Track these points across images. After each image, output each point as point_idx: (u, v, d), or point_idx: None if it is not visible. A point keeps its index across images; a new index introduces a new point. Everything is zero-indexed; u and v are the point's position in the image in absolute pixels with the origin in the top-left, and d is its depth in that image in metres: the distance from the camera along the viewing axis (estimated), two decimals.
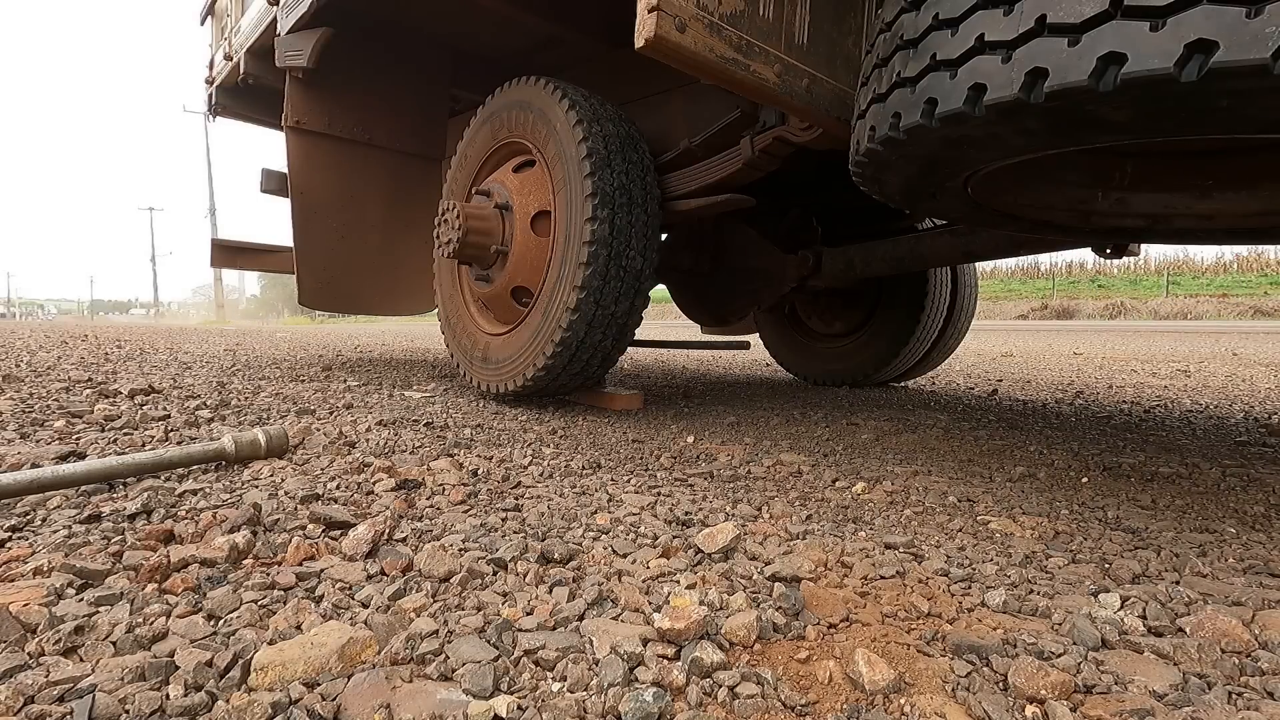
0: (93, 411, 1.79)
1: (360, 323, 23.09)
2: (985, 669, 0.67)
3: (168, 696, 0.57)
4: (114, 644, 0.65)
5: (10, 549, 0.87)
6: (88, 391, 2.18)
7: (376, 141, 2.99)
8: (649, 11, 1.18)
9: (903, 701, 0.61)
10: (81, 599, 0.73)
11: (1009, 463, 1.66)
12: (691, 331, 5.61)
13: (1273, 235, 1.49)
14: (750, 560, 0.92)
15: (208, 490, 1.14)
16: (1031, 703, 0.61)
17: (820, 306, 3.41)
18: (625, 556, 0.93)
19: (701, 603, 0.77)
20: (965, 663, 0.67)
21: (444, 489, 1.21)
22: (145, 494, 1.05)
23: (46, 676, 0.59)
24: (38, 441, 1.47)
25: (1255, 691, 0.63)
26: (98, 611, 0.71)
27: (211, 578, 0.80)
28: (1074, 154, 1.40)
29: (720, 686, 0.62)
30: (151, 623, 0.69)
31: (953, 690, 0.63)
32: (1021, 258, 12.42)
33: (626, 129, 2.08)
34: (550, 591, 0.80)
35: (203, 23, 3.93)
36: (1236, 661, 0.69)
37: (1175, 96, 0.78)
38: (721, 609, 0.76)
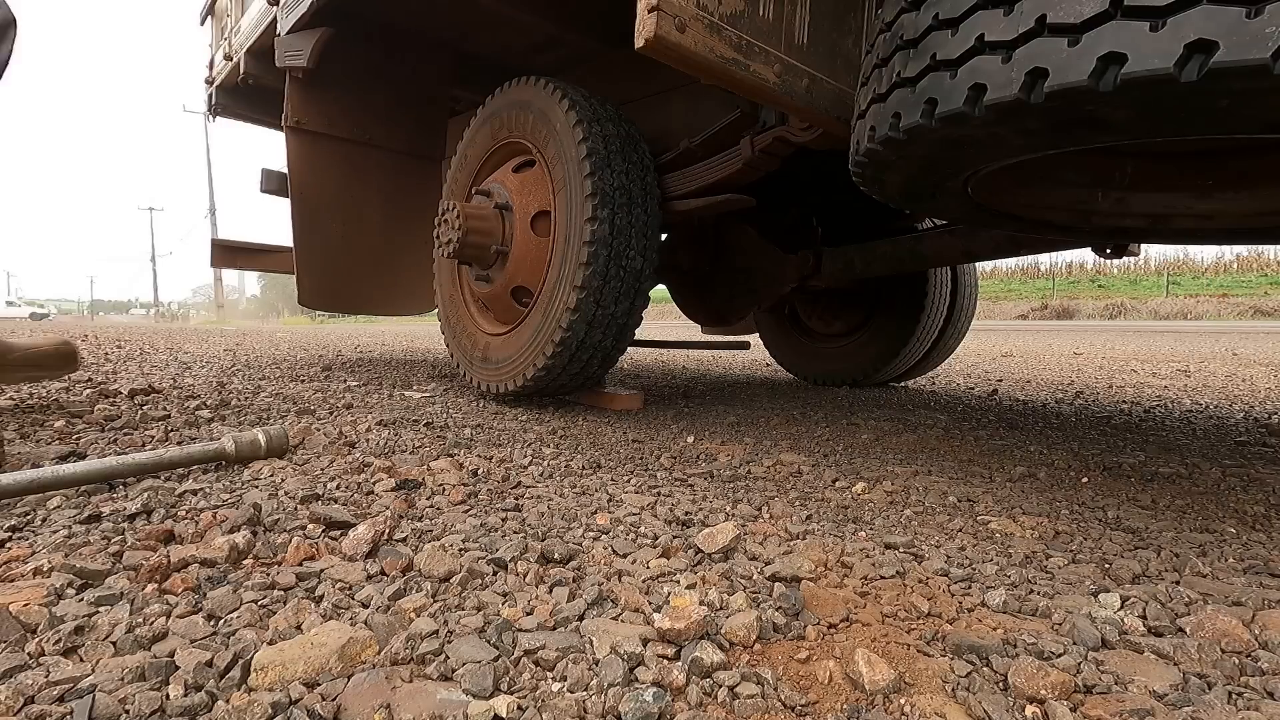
0: (93, 411, 1.79)
1: (360, 323, 23.09)
2: (985, 669, 0.67)
3: (168, 696, 0.57)
4: (114, 644, 0.65)
5: (10, 549, 0.87)
6: (88, 391, 2.18)
7: (376, 142, 2.99)
8: (649, 12, 1.18)
9: (903, 701, 0.61)
10: (81, 599, 0.73)
11: (1009, 463, 1.66)
12: (691, 331, 5.61)
13: (1273, 235, 1.49)
14: (750, 560, 0.92)
15: (208, 490, 1.14)
16: (1031, 703, 0.61)
17: (820, 306, 3.41)
18: (625, 556, 0.93)
19: (701, 603, 0.76)
20: (965, 663, 0.67)
21: (444, 489, 1.21)
22: (145, 494, 1.05)
23: (46, 676, 0.59)
24: (38, 441, 1.47)
25: (1255, 691, 0.63)
26: (98, 611, 0.71)
27: (211, 578, 0.80)
28: (1074, 154, 1.40)
29: (720, 686, 0.62)
30: (151, 623, 0.69)
31: (953, 690, 0.63)
32: (1021, 258, 12.42)
33: (626, 129, 2.08)
34: (550, 591, 0.80)
35: (203, 23, 3.93)
36: (1236, 661, 0.69)
37: (1175, 96, 0.78)
38: (721, 609, 0.76)
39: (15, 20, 1.46)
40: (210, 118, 3.90)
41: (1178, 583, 0.90)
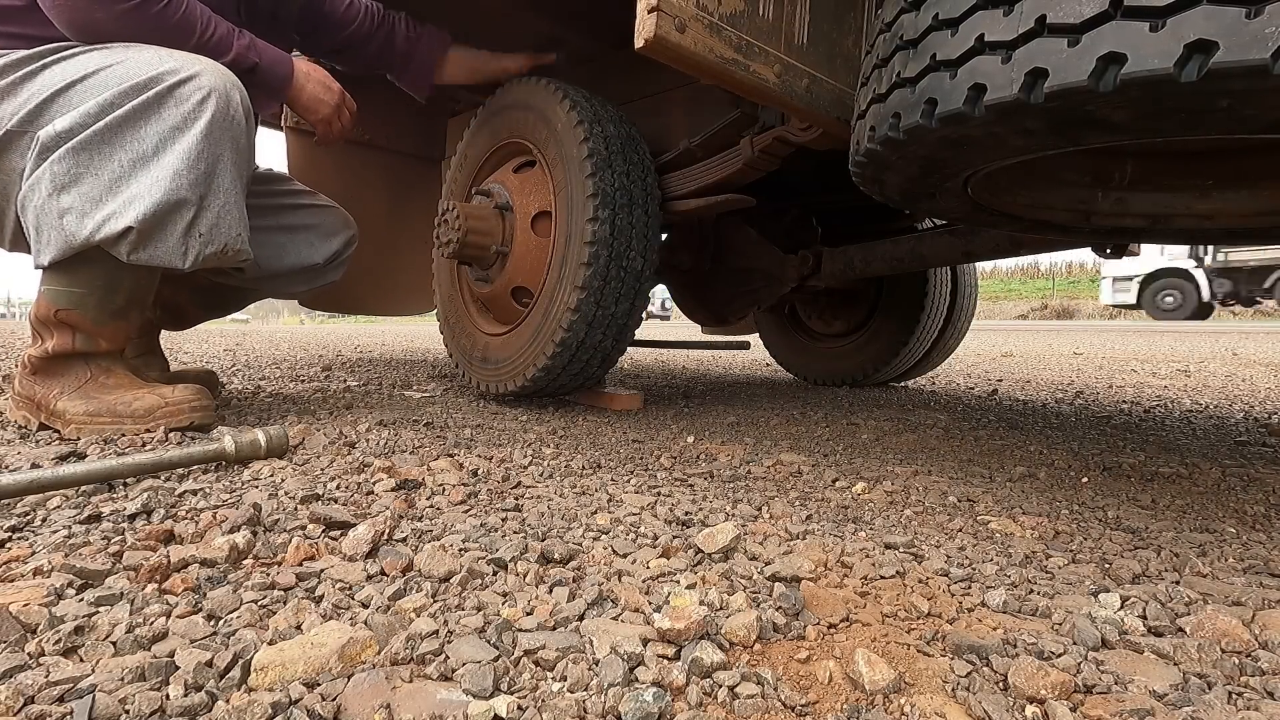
0: None
1: (360, 323, 23.08)
2: (985, 669, 0.67)
3: (168, 697, 0.57)
4: (114, 644, 0.65)
5: (10, 549, 0.87)
6: None
7: (376, 142, 2.99)
8: (649, 12, 1.18)
9: (903, 701, 0.61)
10: (81, 599, 0.73)
11: (1009, 462, 1.66)
12: (691, 331, 5.61)
13: (1273, 235, 1.49)
14: (750, 560, 0.92)
15: (208, 490, 1.14)
16: (1031, 703, 0.61)
17: (820, 306, 3.41)
18: (625, 556, 0.93)
19: (701, 603, 0.76)
20: (965, 663, 0.67)
21: (444, 489, 1.21)
22: (145, 494, 1.05)
23: (46, 676, 0.59)
24: (37, 442, 1.47)
25: (1255, 691, 0.63)
26: (98, 612, 0.71)
27: (211, 578, 0.80)
28: (1074, 154, 1.40)
29: (720, 686, 0.62)
30: (151, 623, 0.69)
31: (953, 690, 0.63)
32: (1021, 258, 12.42)
33: (627, 130, 2.08)
34: (550, 591, 0.80)
35: None
36: (1236, 661, 0.69)
37: (1175, 97, 0.78)
38: (721, 609, 0.76)
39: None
40: None
41: (1178, 583, 0.90)
